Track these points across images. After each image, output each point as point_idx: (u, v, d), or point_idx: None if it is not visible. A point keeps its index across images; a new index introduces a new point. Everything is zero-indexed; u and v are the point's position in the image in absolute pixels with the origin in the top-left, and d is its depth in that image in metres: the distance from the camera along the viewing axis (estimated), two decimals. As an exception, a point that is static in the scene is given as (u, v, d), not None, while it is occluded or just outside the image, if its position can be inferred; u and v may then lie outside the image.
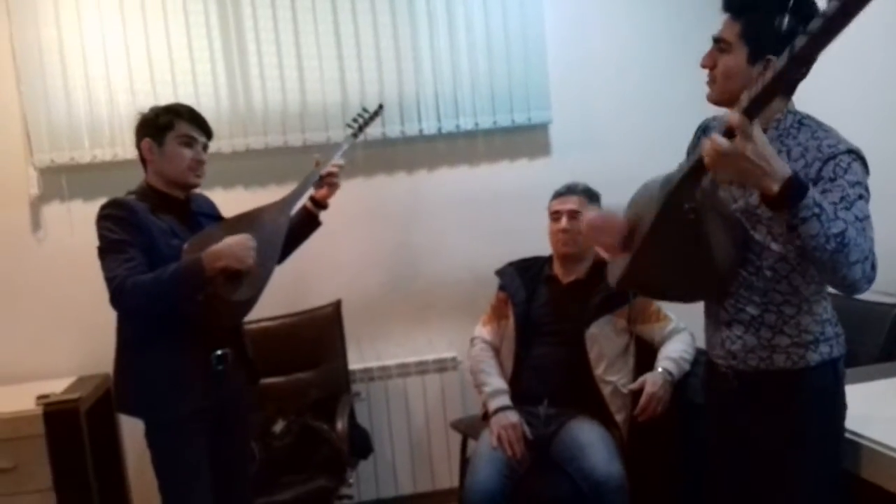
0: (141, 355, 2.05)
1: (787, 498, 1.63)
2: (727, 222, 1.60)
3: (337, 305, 3.08)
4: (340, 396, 2.92)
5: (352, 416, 2.90)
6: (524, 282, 2.68)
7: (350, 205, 3.16)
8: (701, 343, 1.97)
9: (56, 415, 2.64)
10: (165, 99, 2.68)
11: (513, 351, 2.61)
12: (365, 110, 2.58)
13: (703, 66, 1.60)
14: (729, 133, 1.28)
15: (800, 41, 1.19)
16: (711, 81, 1.61)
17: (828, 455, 1.63)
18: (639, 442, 2.46)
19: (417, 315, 3.27)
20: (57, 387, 2.80)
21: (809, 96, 1.59)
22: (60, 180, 3.02)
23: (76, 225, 3.00)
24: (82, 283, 2.91)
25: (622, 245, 1.74)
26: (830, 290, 1.60)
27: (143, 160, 2.14)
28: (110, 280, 1.94)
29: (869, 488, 1.67)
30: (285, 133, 3.06)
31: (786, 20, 1.44)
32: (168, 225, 2.06)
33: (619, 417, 2.48)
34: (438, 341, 3.26)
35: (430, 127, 3.15)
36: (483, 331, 2.72)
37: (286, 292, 2.97)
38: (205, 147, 2.16)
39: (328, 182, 2.37)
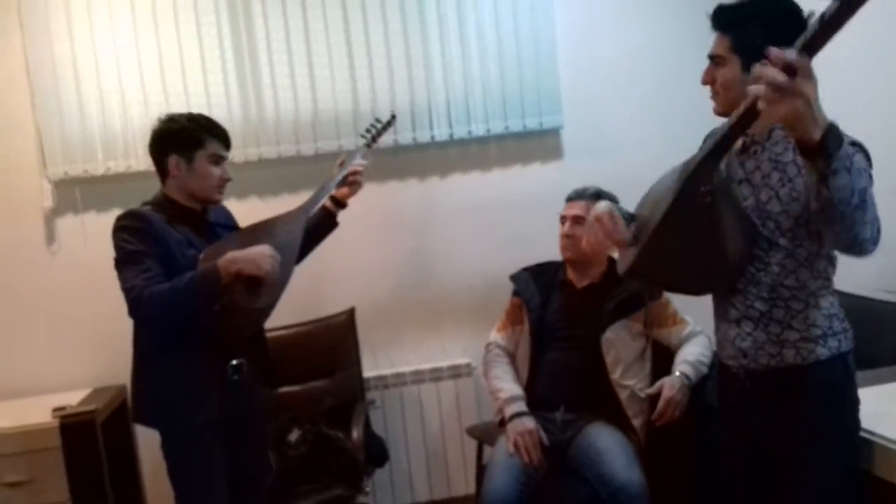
0: (157, 365, 2.05)
1: (803, 495, 1.63)
2: (739, 213, 1.63)
3: (351, 313, 3.08)
4: (355, 404, 2.92)
5: (367, 423, 2.90)
6: (539, 287, 2.67)
7: (363, 212, 3.16)
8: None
9: (72, 427, 2.66)
10: (178, 110, 2.68)
11: (528, 356, 2.59)
12: (378, 120, 2.59)
13: (704, 83, 1.68)
14: (787, 71, 1.22)
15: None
16: (715, 95, 1.68)
17: (842, 451, 1.64)
18: (657, 447, 2.44)
19: (431, 321, 3.26)
20: (72, 399, 2.82)
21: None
22: (74, 193, 3.04)
23: (90, 237, 3.02)
24: (97, 295, 2.94)
25: (630, 240, 1.75)
26: (837, 288, 1.61)
27: (162, 172, 2.12)
28: (128, 291, 1.94)
29: (883, 485, 1.66)
30: (297, 142, 3.08)
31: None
32: (184, 236, 2.06)
33: (636, 422, 2.46)
34: (452, 347, 3.26)
35: (441, 133, 3.15)
36: (498, 336, 2.71)
37: (300, 301, 2.97)
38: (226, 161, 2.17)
39: (351, 181, 2.39)
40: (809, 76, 1.22)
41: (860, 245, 1.40)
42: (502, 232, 3.24)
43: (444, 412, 3.18)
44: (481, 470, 2.64)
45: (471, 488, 3.08)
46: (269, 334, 2.73)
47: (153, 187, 2.18)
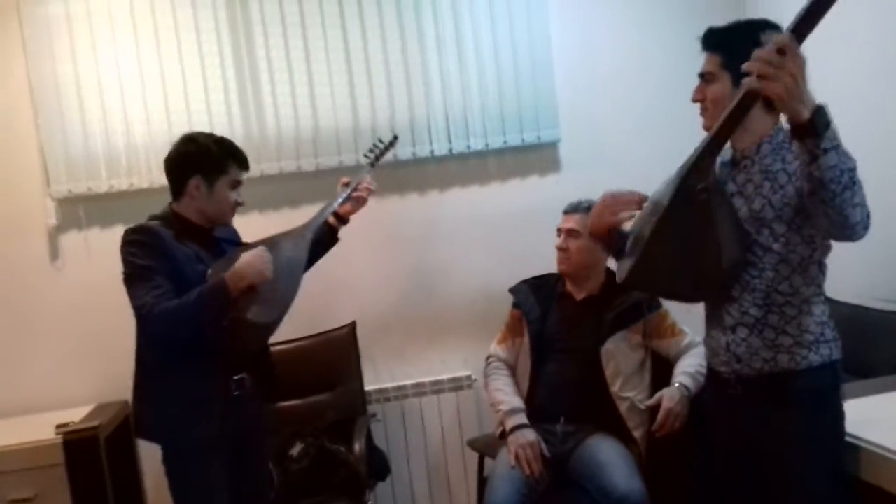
0: (160, 380, 2.06)
1: (794, 498, 1.67)
2: (734, 219, 1.68)
3: (352, 327, 3.10)
4: (357, 418, 2.93)
5: (369, 437, 2.91)
6: (538, 299, 2.69)
7: (363, 227, 3.18)
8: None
9: (75, 443, 2.66)
10: (180, 128, 2.72)
11: (528, 368, 2.61)
12: (381, 140, 2.63)
13: (694, 101, 1.76)
14: (779, 52, 1.34)
15: None
16: (704, 111, 1.75)
17: (831, 455, 1.69)
18: (658, 458, 2.46)
19: (432, 335, 3.28)
20: (76, 415, 2.82)
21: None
22: (78, 210, 3.06)
23: (94, 254, 3.04)
24: (100, 311, 2.97)
25: (629, 251, 1.80)
26: (834, 297, 1.61)
27: (178, 190, 2.13)
28: (138, 308, 1.96)
29: (869, 489, 1.71)
30: (298, 158, 3.11)
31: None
32: (193, 251, 2.08)
33: (637, 433, 2.47)
34: (453, 360, 3.27)
35: (441, 148, 3.18)
36: (498, 349, 2.73)
37: (301, 315, 2.96)
38: None
39: (357, 197, 2.46)
40: (797, 56, 1.33)
41: (851, 228, 1.45)
42: (501, 245, 3.27)
43: (445, 425, 3.19)
44: (483, 482, 2.65)
45: (472, 501, 3.08)
46: (271, 349, 2.76)
47: (156, 204, 2.21)
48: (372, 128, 3.09)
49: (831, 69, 1.44)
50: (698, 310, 1.91)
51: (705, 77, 1.73)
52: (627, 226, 1.92)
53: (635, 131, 3.31)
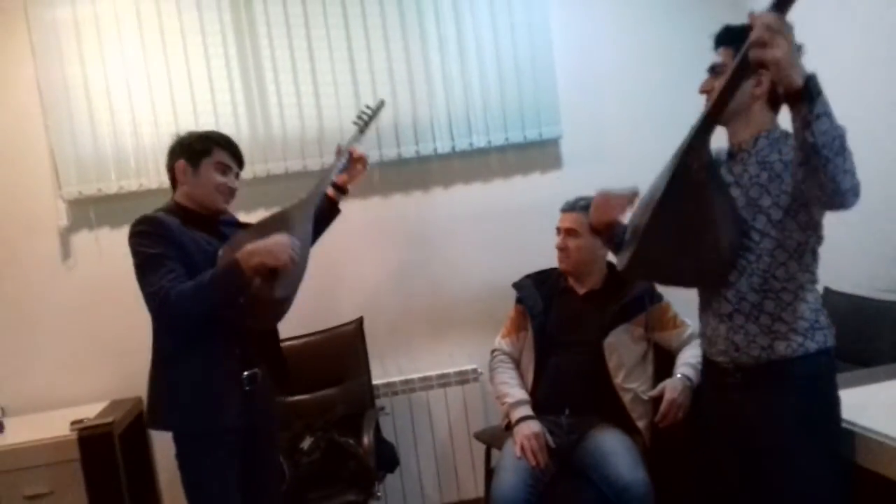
0: (174, 368, 2.07)
1: (792, 484, 1.71)
2: (730, 202, 1.72)
3: (359, 322, 3.14)
4: (366, 411, 2.97)
5: (377, 430, 2.95)
6: (541, 294, 2.72)
7: (368, 224, 3.25)
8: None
9: (90, 439, 2.70)
10: (187, 129, 2.75)
11: (532, 362, 2.65)
12: (368, 107, 2.59)
13: (702, 92, 1.79)
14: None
15: None
16: (709, 100, 1.76)
17: (828, 441, 1.73)
18: (661, 448, 2.49)
19: (437, 329, 3.33)
20: (90, 412, 2.87)
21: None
22: (88, 211, 3.11)
23: (105, 254, 3.10)
24: (112, 309, 3.02)
25: (627, 241, 1.85)
26: (836, 288, 1.63)
27: (173, 180, 2.19)
28: (153, 294, 1.96)
29: (865, 474, 1.75)
30: (304, 158, 3.15)
31: None
32: (201, 237, 2.11)
33: (641, 424, 2.51)
34: (459, 354, 3.32)
35: (444, 146, 3.22)
36: (502, 343, 2.77)
37: (310, 311, 3.04)
38: (237, 176, 2.23)
39: (355, 168, 2.47)
40: (783, 29, 1.41)
41: (842, 195, 1.50)
42: (505, 240, 3.31)
43: (452, 417, 3.24)
44: (490, 473, 2.69)
45: (480, 491, 3.13)
46: (281, 343, 2.80)
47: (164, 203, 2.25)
48: (376, 126, 3.12)
49: (833, 60, 1.50)
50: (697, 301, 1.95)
51: (716, 69, 1.77)
52: (626, 219, 1.97)
53: (637, 127, 3.34)
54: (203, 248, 2.08)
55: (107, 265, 3.07)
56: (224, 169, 2.17)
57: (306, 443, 2.76)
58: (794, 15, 1.42)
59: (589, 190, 2.72)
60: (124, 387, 3.01)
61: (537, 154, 3.35)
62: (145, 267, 2.01)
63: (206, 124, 2.99)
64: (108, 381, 3.08)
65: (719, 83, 1.71)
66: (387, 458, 2.92)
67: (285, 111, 3.13)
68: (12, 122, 3.07)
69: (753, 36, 1.42)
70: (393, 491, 3.18)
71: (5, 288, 3.09)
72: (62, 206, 3.07)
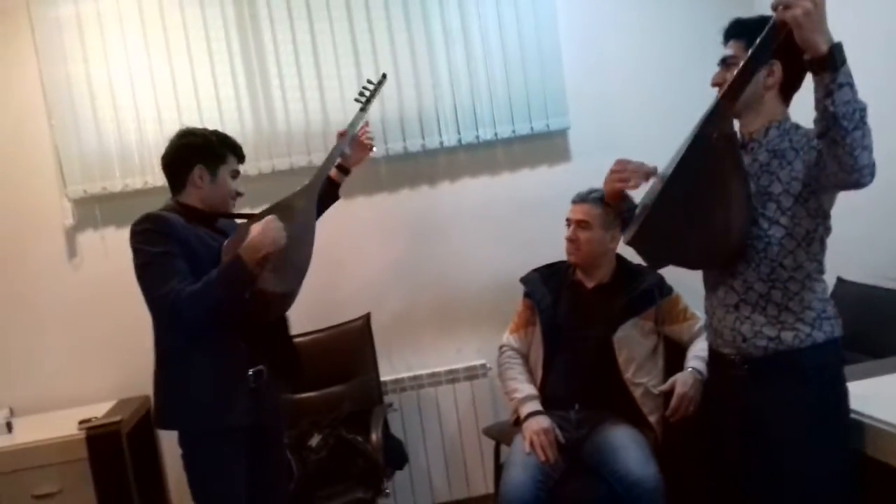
0: (179, 368, 2.06)
1: (801, 475, 1.70)
2: (745, 184, 1.69)
3: (366, 319, 3.13)
4: (374, 408, 2.96)
5: (385, 427, 2.94)
6: (549, 288, 2.69)
7: (375, 219, 3.23)
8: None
9: (98, 438, 2.71)
10: (192, 125, 2.74)
11: (541, 357, 2.62)
12: (370, 81, 2.56)
13: (714, 85, 1.78)
14: None
15: None
16: (720, 92, 1.73)
17: (837, 431, 1.72)
18: (673, 442, 2.46)
19: (445, 324, 3.31)
20: (98, 411, 2.88)
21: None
22: (93, 209, 3.11)
23: (110, 252, 3.10)
24: (118, 308, 3.01)
25: (637, 215, 1.84)
26: (846, 277, 1.60)
27: (181, 182, 2.14)
28: (165, 295, 1.93)
29: (873, 464, 1.74)
30: (309, 153, 3.14)
31: None
32: (205, 233, 2.10)
33: (652, 419, 2.48)
34: (467, 349, 3.30)
35: (450, 139, 3.20)
36: (511, 338, 2.74)
37: (317, 308, 3.03)
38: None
39: (360, 144, 2.48)
40: None
41: (859, 171, 1.49)
42: (512, 234, 3.28)
43: (460, 413, 3.22)
44: (499, 469, 2.67)
45: (490, 488, 3.11)
46: (292, 339, 2.78)
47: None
48: (381, 119, 3.12)
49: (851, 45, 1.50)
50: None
51: (727, 61, 1.76)
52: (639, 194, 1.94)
53: (646, 118, 3.30)
54: (207, 243, 2.07)
55: (113, 264, 3.06)
56: (236, 175, 2.19)
57: (314, 440, 2.75)
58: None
59: (598, 182, 2.70)
60: (131, 385, 3.01)
61: (545, 146, 3.31)
62: (149, 268, 1.98)
63: (210, 120, 2.98)
64: (116, 379, 3.08)
65: (730, 74, 1.70)
66: (395, 454, 2.91)
67: (289, 106, 3.11)
68: (17, 121, 3.07)
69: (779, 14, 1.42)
70: (402, 488, 3.17)
71: (12, 287, 3.10)
72: (67, 204, 3.07)
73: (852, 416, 1.76)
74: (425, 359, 3.28)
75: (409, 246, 3.28)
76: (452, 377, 3.23)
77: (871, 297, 2.49)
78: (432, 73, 3.16)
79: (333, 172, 2.45)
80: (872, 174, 1.51)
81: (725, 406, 1.89)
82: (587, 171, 3.13)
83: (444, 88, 3.17)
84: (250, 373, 2.10)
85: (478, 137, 3.21)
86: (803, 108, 1.74)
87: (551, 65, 3.22)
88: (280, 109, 3.11)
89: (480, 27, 3.18)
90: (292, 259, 2.08)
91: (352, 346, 3.10)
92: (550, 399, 2.55)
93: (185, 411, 2.08)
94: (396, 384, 3.20)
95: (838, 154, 1.48)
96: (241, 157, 2.21)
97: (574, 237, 2.61)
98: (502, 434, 2.78)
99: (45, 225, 3.10)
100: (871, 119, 1.49)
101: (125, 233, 2.05)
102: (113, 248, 3.09)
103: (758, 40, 1.55)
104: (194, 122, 2.95)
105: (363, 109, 2.51)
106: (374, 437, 2.74)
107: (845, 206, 1.75)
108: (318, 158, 3.11)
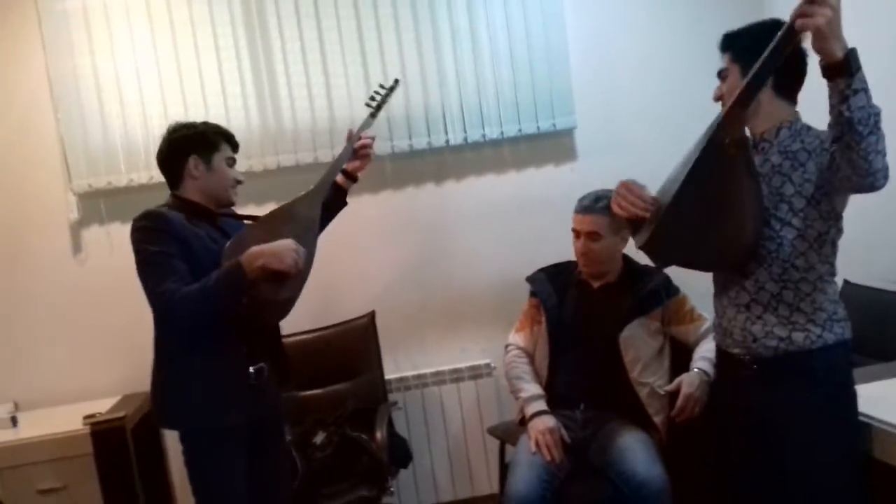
0: (179, 366, 2.05)
1: (808, 476, 1.70)
2: (758, 187, 1.69)
3: (371, 317, 3.12)
4: (378, 406, 2.96)
5: (390, 425, 2.93)
6: (555, 287, 2.68)
7: (380, 217, 3.23)
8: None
9: (103, 434, 2.71)
10: (197, 120, 2.74)
11: (547, 356, 2.61)
12: (381, 86, 2.54)
13: (716, 100, 1.81)
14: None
15: None
16: (723, 106, 1.76)
17: (845, 433, 1.72)
18: (678, 443, 2.46)
19: (450, 323, 3.30)
20: (102, 406, 2.88)
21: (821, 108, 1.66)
22: (99, 204, 3.11)
23: (115, 247, 3.09)
24: (124, 303, 2.99)
25: (649, 220, 1.82)
26: (854, 281, 1.60)
27: (178, 175, 2.14)
28: (159, 295, 1.94)
29: (880, 466, 1.75)
30: (315, 150, 3.13)
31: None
32: (204, 231, 2.09)
33: (657, 419, 2.47)
34: (472, 348, 3.29)
35: (456, 137, 3.19)
36: (517, 337, 2.73)
37: (322, 305, 3.03)
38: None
39: (362, 154, 2.42)
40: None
41: (873, 175, 1.50)
42: (518, 233, 3.28)
43: (465, 412, 3.22)
44: (504, 469, 2.67)
45: (494, 487, 3.11)
46: (291, 339, 2.80)
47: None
48: (387, 117, 3.10)
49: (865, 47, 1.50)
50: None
51: (721, 74, 1.79)
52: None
53: (653, 118, 3.30)
54: (206, 244, 2.06)
55: (118, 260, 3.04)
56: (231, 162, 2.18)
57: (319, 438, 2.75)
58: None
59: (604, 182, 2.70)
60: (136, 381, 2.99)
61: (551, 145, 3.31)
62: (147, 266, 1.99)
63: (216, 116, 2.98)
64: (120, 375, 3.07)
65: (727, 86, 1.75)
66: (400, 453, 2.90)
67: (296, 103, 3.10)
68: (23, 115, 3.06)
69: (798, 8, 1.43)
70: (406, 486, 3.17)
71: (17, 282, 3.09)
72: (73, 199, 3.07)
73: (861, 418, 1.76)
74: (430, 357, 3.28)
75: (415, 244, 3.28)
76: (457, 376, 3.22)
77: (878, 300, 2.49)
78: (439, 72, 3.15)
79: (340, 178, 2.42)
80: (886, 177, 1.52)
81: (732, 406, 1.88)
82: (593, 170, 3.17)
83: (450, 87, 3.16)
84: (251, 370, 2.09)
85: (484, 136, 3.20)
86: (812, 108, 1.75)
87: (558, 64, 3.21)
88: (286, 107, 3.11)
89: (488, 26, 3.17)
90: (291, 275, 2.05)
91: (356, 343, 3.09)
92: (556, 398, 2.55)
93: (184, 411, 2.08)
94: (401, 382, 3.19)
95: (853, 158, 1.49)
96: (234, 146, 2.20)
97: (586, 249, 2.57)
98: (507, 433, 2.78)
99: (50, 219, 3.09)
100: (883, 123, 1.50)
101: (130, 228, 2.05)
102: (118, 243, 3.08)
103: (770, 46, 1.54)
104: (200, 117, 2.92)
105: (373, 115, 2.48)
106: (378, 435, 2.74)
107: (852, 209, 1.75)
108: (324, 155, 3.11)
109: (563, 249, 2.74)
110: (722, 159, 1.65)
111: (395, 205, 3.25)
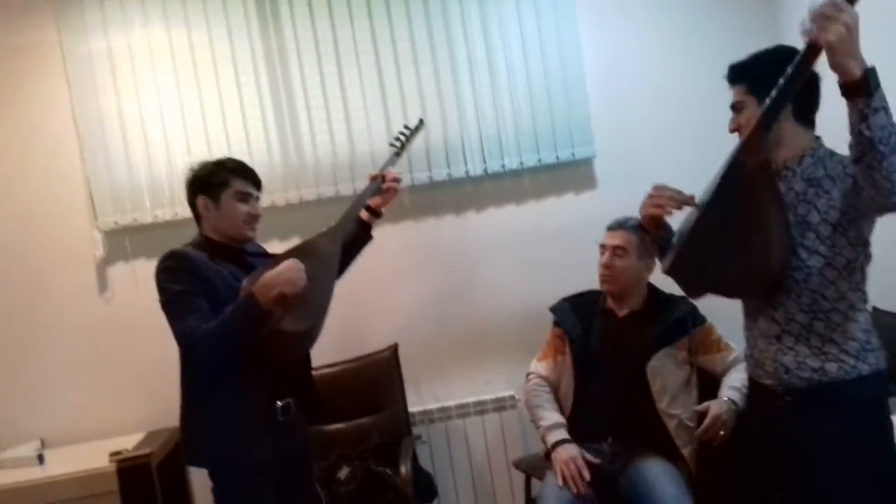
0: (206, 404, 2.06)
1: None
2: (784, 213, 1.68)
3: (394, 349, 3.11)
4: (402, 440, 2.94)
5: (414, 459, 2.91)
6: (579, 317, 2.66)
7: (401, 249, 3.23)
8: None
9: (129, 471, 2.70)
10: (221, 156, 2.77)
11: (572, 387, 2.58)
12: (406, 127, 2.57)
13: (732, 132, 1.80)
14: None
15: None
16: (741, 137, 1.75)
17: (882, 467, 1.68)
18: (707, 476, 2.42)
19: (473, 355, 3.28)
20: (128, 443, 2.87)
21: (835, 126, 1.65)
22: (124, 241, 3.14)
23: (140, 283, 3.11)
24: (149, 339, 3.00)
25: (674, 244, 1.82)
26: (876, 305, 1.58)
27: (196, 215, 2.18)
28: (180, 334, 1.96)
29: None
30: (336, 183, 3.15)
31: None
32: (227, 270, 2.09)
33: (685, 451, 2.44)
34: (495, 380, 3.27)
35: (475, 168, 3.20)
36: (539, 366, 2.71)
37: (344, 339, 3.02)
38: (257, 199, 2.21)
39: (387, 189, 2.43)
40: (850, 11, 1.40)
41: None
42: (540, 263, 3.26)
43: (490, 445, 3.18)
44: (530, 502, 2.63)
45: (520, 521, 3.07)
46: (314, 373, 2.77)
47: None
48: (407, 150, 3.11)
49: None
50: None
51: (735, 107, 1.78)
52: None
53: (672, 145, 3.29)
54: (229, 283, 2.07)
55: (143, 296, 3.00)
56: (244, 197, 2.16)
57: (343, 472, 2.73)
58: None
59: (623, 210, 2.70)
60: (161, 417, 3.00)
61: (571, 175, 3.31)
62: (171, 305, 2.01)
63: (238, 152, 3.00)
64: (146, 411, 3.08)
65: (744, 118, 1.74)
66: (424, 487, 2.88)
67: (317, 137, 3.13)
68: (49, 154, 3.11)
69: (811, 18, 1.43)
70: (431, 521, 3.13)
71: (44, 320, 3.12)
72: (98, 236, 3.10)
73: (896, 450, 1.72)
74: (453, 390, 3.26)
75: (436, 276, 3.27)
76: (481, 409, 3.19)
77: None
78: (458, 104, 3.18)
79: (364, 214, 2.43)
80: None
81: (764, 437, 1.85)
82: (613, 199, 3.14)
83: (469, 118, 3.18)
84: (279, 405, 2.09)
85: (503, 166, 3.21)
86: (832, 129, 1.73)
87: (576, 93, 3.22)
88: (307, 140, 3.13)
89: (505, 57, 3.19)
90: (311, 299, 2.07)
91: (379, 377, 3.08)
92: (583, 431, 2.51)
93: (212, 447, 2.08)
94: (425, 416, 3.17)
95: (875, 178, 1.47)
96: (250, 178, 2.19)
97: (610, 263, 2.58)
98: (532, 466, 2.75)
99: (76, 257, 3.12)
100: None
101: (155, 265, 2.07)
102: (143, 280, 3.09)
103: (790, 67, 1.54)
104: (223, 153, 2.94)
105: (397, 154, 2.51)
106: (403, 469, 2.72)
107: (878, 233, 1.72)
108: (345, 188, 3.13)
109: (585, 278, 2.73)
110: (745, 182, 1.64)
111: (416, 237, 3.26)
